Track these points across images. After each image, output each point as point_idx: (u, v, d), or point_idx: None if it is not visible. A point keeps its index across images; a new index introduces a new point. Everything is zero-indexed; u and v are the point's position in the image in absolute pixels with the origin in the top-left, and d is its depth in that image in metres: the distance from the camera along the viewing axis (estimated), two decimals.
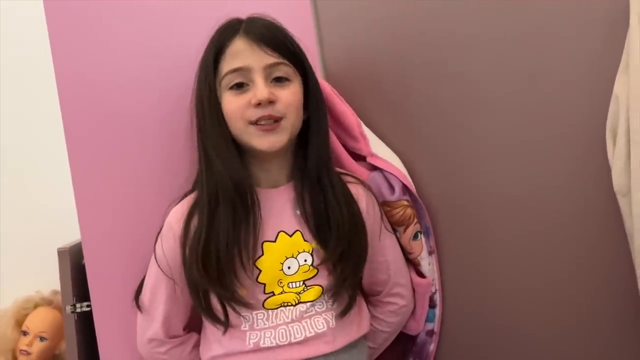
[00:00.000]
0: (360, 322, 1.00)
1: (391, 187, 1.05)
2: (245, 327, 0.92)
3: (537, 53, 0.93)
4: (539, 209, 0.96)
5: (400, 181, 1.04)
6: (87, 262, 1.03)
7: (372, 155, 1.06)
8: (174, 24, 1.08)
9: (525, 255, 0.99)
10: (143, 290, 0.98)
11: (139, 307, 0.98)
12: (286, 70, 0.91)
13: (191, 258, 0.89)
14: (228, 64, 0.91)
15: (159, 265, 0.94)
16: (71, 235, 1.19)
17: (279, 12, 0.98)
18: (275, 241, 0.93)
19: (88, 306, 1.10)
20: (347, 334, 0.96)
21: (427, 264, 1.07)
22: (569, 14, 0.89)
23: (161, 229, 0.95)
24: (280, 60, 0.91)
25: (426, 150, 1.09)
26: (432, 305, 1.09)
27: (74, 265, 1.17)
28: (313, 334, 0.92)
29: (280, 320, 0.92)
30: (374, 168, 1.06)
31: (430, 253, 1.08)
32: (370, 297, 1.08)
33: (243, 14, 0.96)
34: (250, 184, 0.91)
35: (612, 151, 0.82)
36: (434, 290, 1.09)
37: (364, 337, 1.01)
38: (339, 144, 1.07)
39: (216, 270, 0.88)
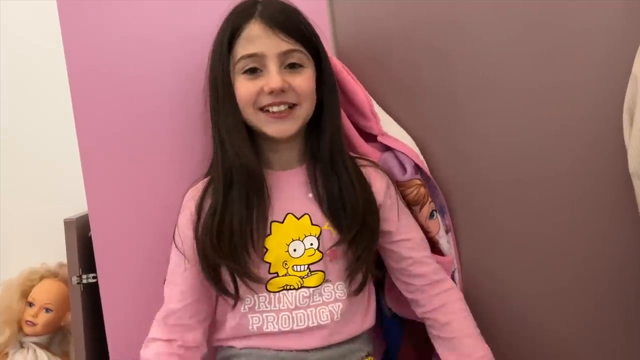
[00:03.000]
0: (365, 314, 0.99)
1: (403, 168, 1.04)
2: (244, 309, 0.93)
3: (553, 32, 0.92)
4: (552, 191, 0.95)
5: (412, 160, 1.03)
6: (94, 233, 1.03)
7: (383, 134, 1.05)
8: (188, 12, 1.07)
9: (537, 236, 0.99)
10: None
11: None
12: (300, 56, 0.91)
13: (204, 233, 0.90)
14: (243, 48, 0.90)
15: (175, 243, 0.94)
16: (77, 207, 1.19)
17: None
18: (282, 222, 0.94)
19: (94, 278, 1.11)
20: (350, 328, 0.96)
21: (446, 242, 1.06)
22: None
23: (179, 214, 0.96)
24: (295, 47, 0.90)
25: (438, 129, 1.07)
26: None
27: (80, 236, 1.17)
28: (316, 324, 0.93)
29: (283, 305, 0.92)
30: (385, 148, 1.05)
31: (446, 231, 1.07)
32: (418, 293, 1.00)
33: None
34: (260, 168, 0.92)
35: (628, 132, 0.81)
36: (453, 269, 1.07)
37: (367, 332, 1.00)
38: (350, 125, 1.06)
39: (229, 246, 0.89)
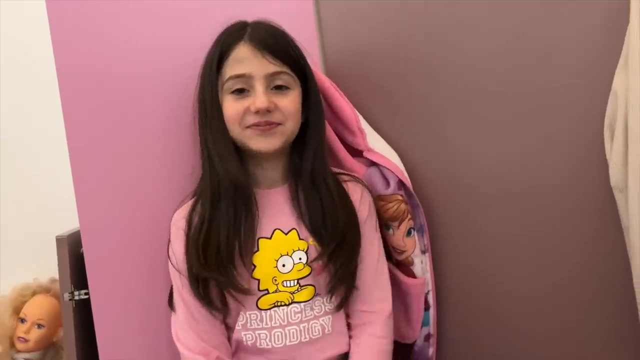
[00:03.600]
0: (347, 336, 1.00)
1: (386, 182, 1.05)
2: (238, 326, 0.94)
3: (536, 49, 0.93)
4: (536, 205, 0.96)
5: (396, 176, 1.04)
6: (86, 250, 1.03)
7: (369, 149, 1.06)
8: (178, 22, 1.08)
9: (522, 250, 1.00)
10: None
11: (172, 308, 0.98)
12: (287, 78, 0.93)
13: (192, 247, 0.91)
14: (231, 68, 0.92)
15: (173, 266, 0.95)
16: (70, 223, 1.19)
17: (280, 6, 0.98)
18: (270, 238, 0.95)
19: (86, 294, 1.11)
20: (339, 344, 0.98)
21: (420, 262, 1.07)
22: (568, 10, 0.89)
23: (170, 236, 0.97)
24: (282, 69, 0.92)
25: (426, 142, 1.09)
26: (425, 307, 1.09)
27: (72, 253, 1.17)
28: (308, 339, 0.95)
29: (275, 322, 0.94)
30: (370, 163, 1.07)
31: (423, 252, 1.08)
32: (354, 317, 1.02)
33: (246, 11, 0.97)
34: (249, 184, 0.94)
35: (609, 147, 0.83)
36: (426, 291, 1.08)
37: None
38: (337, 140, 1.07)
39: (215, 260, 0.90)
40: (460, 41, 1.02)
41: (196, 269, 0.90)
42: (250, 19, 0.97)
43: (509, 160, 0.99)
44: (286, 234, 0.96)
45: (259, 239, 0.94)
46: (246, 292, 0.92)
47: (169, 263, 0.96)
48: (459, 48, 1.02)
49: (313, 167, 0.96)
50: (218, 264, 0.90)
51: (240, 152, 0.96)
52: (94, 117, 1.03)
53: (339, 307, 0.97)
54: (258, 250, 0.94)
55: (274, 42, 0.93)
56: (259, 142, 0.92)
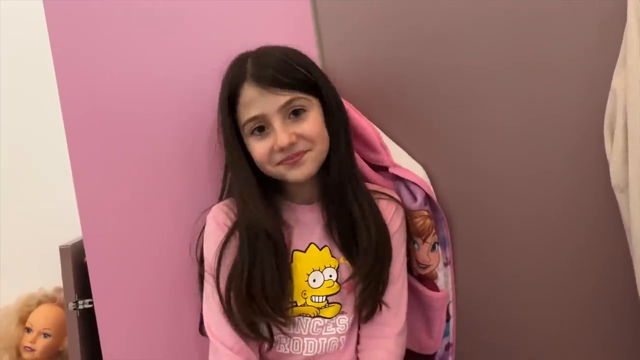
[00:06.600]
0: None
1: (413, 197, 1.04)
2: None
3: (535, 50, 0.93)
4: (541, 208, 0.96)
5: (423, 190, 1.02)
6: (89, 259, 1.03)
7: (395, 165, 1.04)
8: (179, 25, 1.07)
9: (539, 258, 0.99)
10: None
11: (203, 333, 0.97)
12: (301, 102, 0.90)
13: (236, 293, 0.90)
14: (244, 111, 0.90)
15: (206, 267, 0.94)
16: (74, 232, 1.19)
17: (278, 19, 0.96)
18: (305, 251, 0.95)
19: (90, 303, 1.11)
20: (352, 353, 0.98)
21: (443, 275, 1.07)
22: (566, 9, 0.89)
23: (202, 231, 0.96)
24: (293, 96, 0.89)
25: (442, 157, 1.07)
26: (446, 317, 1.08)
27: (76, 262, 1.17)
28: (324, 353, 0.96)
29: (297, 330, 0.95)
30: (395, 179, 1.05)
31: (445, 264, 1.07)
32: (366, 330, 1.01)
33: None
34: (278, 228, 0.92)
35: (610, 147, 0.83)
36: (448, 301, 1.08)
37: None
38: (359, 158, 1.04)
39: (264, 303, 0.89)
40: (461, 43, 1.01)
41: (246, 314, 0.89)
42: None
43: (510, 162, 0.98)
44: (320, 249, 0.96)
45: (293, 251, 0.94)
46: (289, 320, 0.92)
47: (198, 258, 0.96)
48: (459, 51, 1.01)
49: (340, 181, 0.94)
50: (262, 309, 0.89)
51: (272, 181, 0.95)
52: (96, 127, 1.03)
53: (365, 320, 0.96)
54: (292, 262, 0.94)
55: (277, 74, 0.88)
56: (294, 174, 0.91)
